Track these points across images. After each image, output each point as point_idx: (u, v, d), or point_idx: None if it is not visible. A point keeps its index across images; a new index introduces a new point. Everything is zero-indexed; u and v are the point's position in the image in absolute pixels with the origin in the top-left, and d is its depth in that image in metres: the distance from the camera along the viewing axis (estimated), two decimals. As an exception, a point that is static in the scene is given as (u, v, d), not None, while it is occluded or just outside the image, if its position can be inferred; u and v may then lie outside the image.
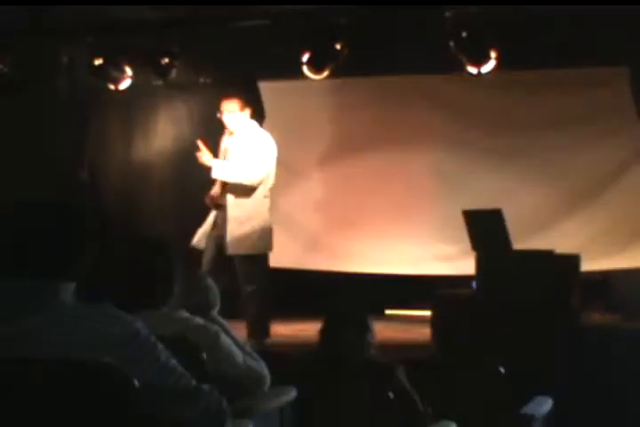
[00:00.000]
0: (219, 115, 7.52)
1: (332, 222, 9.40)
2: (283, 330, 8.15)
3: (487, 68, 7.62)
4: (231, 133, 7.56)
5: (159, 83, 8.76)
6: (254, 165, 7.42)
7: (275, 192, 9.54)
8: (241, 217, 7.47)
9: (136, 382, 2.26)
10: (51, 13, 7.60)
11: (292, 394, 3.81)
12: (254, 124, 7.65)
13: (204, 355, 3.05)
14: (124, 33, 8.29)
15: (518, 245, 7.31)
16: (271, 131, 9.50)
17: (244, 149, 7.45)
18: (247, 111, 7.52)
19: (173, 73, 8.54)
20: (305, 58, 8.02)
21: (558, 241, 7.94)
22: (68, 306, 2.38)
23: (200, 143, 7.51)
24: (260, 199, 7.53)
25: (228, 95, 7.51)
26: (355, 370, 4.10)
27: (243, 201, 7.48)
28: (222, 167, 7.46)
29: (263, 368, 3.65)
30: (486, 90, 8.66)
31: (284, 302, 8.92)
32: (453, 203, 8.42)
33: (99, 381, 2.27)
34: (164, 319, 3.24)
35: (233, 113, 7.46)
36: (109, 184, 8.32)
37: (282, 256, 9.51)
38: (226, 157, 7.58)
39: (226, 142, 7.65)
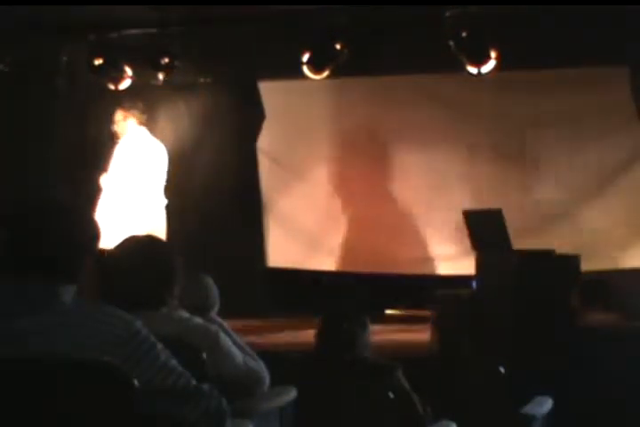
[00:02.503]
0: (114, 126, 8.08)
1: (332, 222, 9.39)
2: (283, 330, 8.15)
3: (487, 67, 7.62)
4: (120, 136, 8.10)
5: (159, 82, 8.77)
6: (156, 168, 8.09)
7: (274, 192, 9.59)
8: None
9: (136, 382, 2.26)
10: (51, 13, 7.60)
11: (291, 394, 3.81)
12: (136, 131, 8.11)
13: (204, 355, 3.05)
14: (124, 33, 8.29)
15: (518, 245, 7.31)
16: (271, 130, 9.54)
17: (138, 158, 8.03)
18: (130, 120, 8.06)
19: (173, 72, 8.54)
20: (305, 58, 8.03)
21: (558, 241, 7.93)
22: (68, 306, 2.38)
23: None
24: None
25: (119, 107, 8.10)
26: (354, 370, 4.11)
27: None
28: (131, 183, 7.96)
29: (263, 368, 3.64)
30: (486, 89, 8.65)
31: (285, 302, 8.93)
32: (454, 202, 8.42)
33: (99, 380, 2.27)
34: (164, 319, 3.24)
35: (120, 122, 8.04)
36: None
37: (281, 256, 9.54)
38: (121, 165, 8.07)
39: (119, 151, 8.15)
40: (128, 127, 8.09)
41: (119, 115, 8.08)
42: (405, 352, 6.80)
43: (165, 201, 8.16)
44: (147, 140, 8.16)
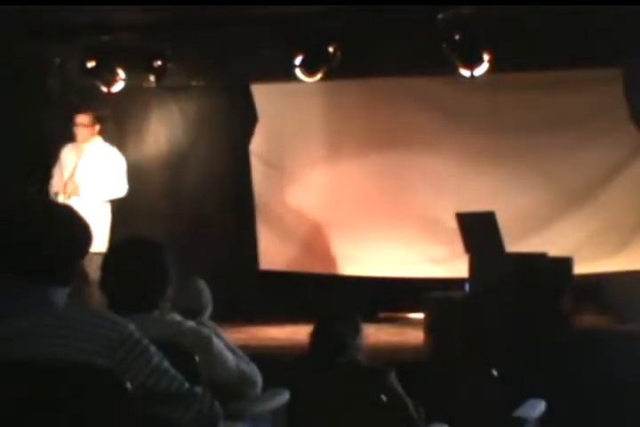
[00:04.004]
0: (74, 128, 7.97)
1: (325, 225, 9.40)
2: (276, 333, 8.15)
3: (480, 70, 7.62)
4: (82, 142, 7.97)
5: (152, 85, 8.76)
6: (120, 179, 8.04)
7: (266, 194, 9.59)
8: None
9: (129, 385, 2.26)
10: (44, 15, 7.59)
11: (284, 397, 3.80)
12: (99, 138, 8.07)
13: (197, 358, 3.04)
14: (118, 35, 8.28)
15: (511, 247, 7.32)
16: (264, 133, 9.54)
17: (104, 166, 7.97)
18: (97, 127, 8.01)
19: (166, 75, 8.54)
20: (298, 60, 8.02)
21: (551, 244, 7.94)
22: (59, 309, 2.37)
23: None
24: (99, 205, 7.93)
25: (82, 110, 8.04)
26: (347, 373, 4.10)
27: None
28: (94, 191, 7.90)
29: (255, 371, 3.64)
30: (479, 91, 8.66)
31: (278, 305, 8.93)
32: (447, 205, 8.42)
33: (91, 383, 2.26)
34: (157, 322, 3.23)
35: (85, 127, 7.94)
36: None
37: (274, 259, 9.53)
38: (76, 171, 7.94)
39: (72, 156, 8.01)
40: (89, 134, 7.99)
41: (83, 118, 7.99)
42: (398, 355, 6.81)
43: (109, 212, 8.01)
44: (105, 149, 8.09)
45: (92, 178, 7.92)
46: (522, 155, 8.79)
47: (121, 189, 8.07)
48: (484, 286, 7.17)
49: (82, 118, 7.99)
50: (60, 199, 7.77)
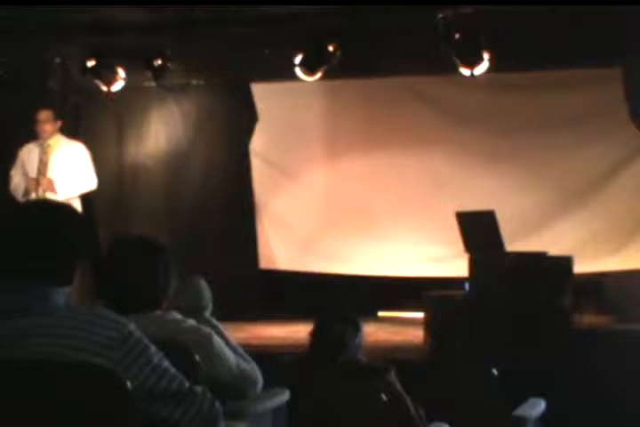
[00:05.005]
0: (36, 125, 7.93)
1: (325, 224, 9.40)
2: (276, 332, 8.15)
3: (480, 69, 7.63)
4: (46, 138, 7.92)
5: (152, 84, 8.76)
6: (90, 172, 8.08)
7: (267, 193, 9.60)
8: None
9: (129, 384, 2.26)
10: (44, 14, 7.59)
11: (284, 396, 3.80)
12: (60, 134, 8.05)
13: (197, 357, 3.04)
14: (118, 34, 8.28)
15: (511, 246, 7.32)
16: (264, 132, 9.55)
17: (74, 161, 8.00)
18: (58, 123, 7.99)
19: (166, 74, 8.54)
20: (298, 59, 8.03)
21: (551, 243, 7.95)
22: (60, 308, 2.37)
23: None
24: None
25: (43, 107, 7.99)
26: (347, 372, 4.10)
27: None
28: (69, 186, 7.91)
29: (255, 370, 3.64)
30: (479, 91, 8.67)
31: (278, 304, 8.93)
32: (446, 204, 8.42)
33: (91, 383, 2.26)
34: (157, 321, 3.23)
35: (47, 123, 7.91)
36: (102, 185, 8.32)
37: (275, 258, 9.54)
38: (47, 167, 7.92)
39: (35, 154, 7.97)
40: (52, 130, 7.95)
41: (46, 115, 7.95)
42: (398, 354, 6.81)
43: (80, 206, 7.91)
44: (71, 143, 8.09)
45: (66, 173, 7.92)
46: (522, 154, 8.80)
47: (92, 181, 8.08)
48: (483, 285, 7.17)
49: (45, 115, 7.95)
50: (33, 197, 7.75)
